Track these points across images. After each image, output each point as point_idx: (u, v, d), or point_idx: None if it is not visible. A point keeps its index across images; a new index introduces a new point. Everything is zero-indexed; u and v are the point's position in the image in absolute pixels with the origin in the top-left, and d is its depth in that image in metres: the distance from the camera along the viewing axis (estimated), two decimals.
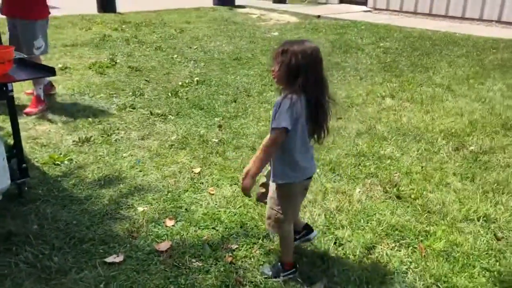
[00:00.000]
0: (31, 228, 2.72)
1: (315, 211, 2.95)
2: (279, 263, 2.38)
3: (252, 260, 2.50)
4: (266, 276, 2.35)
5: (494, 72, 6.45)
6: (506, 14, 10.80)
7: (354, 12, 12.56)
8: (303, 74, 2.01)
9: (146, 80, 5.88)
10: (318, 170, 3.50)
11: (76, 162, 3.61)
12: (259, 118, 4.62)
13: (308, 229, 2.55)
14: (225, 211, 2.95)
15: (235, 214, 2.91)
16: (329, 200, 3.09)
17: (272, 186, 2.23)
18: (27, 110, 4.54)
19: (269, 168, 2.29)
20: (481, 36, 9.02)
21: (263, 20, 11.27)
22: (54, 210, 2.91)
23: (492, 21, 11.05)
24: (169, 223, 2.82)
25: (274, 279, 2.33)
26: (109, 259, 2.47)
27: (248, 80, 5.94)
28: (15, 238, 2.62)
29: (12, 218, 2.80)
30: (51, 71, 3.03)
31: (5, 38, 4.92)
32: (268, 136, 2.12)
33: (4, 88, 2.88)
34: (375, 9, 13.25)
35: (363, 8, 13.38)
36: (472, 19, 11.32)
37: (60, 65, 6.24)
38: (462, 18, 11.47)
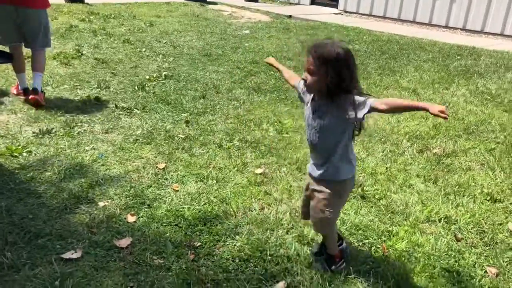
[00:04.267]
0: None
1: (280, 210, 2.94)
2: (328, 257, 2.42)
3: (215, 258, 2.46)
4: (323, 271, 2.39)
5: (458, 77, 6.61)
6: (470, 23, 11.12)
7: (324, 14, 12.66)
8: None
9: (112, 72, 5.74)
10: (284, 169, 3.50)
11: (35, 154, 3.48)
12: (227, 115, 4.57)
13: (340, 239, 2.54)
14: (189, 208, 2.89)
15: (199, 211, 2.86)
16: (295, 199, 3.08)
17: (325, 188, 2.21)
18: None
19: (307, 180, 2.35)
20: (447, 43, 9.24)
21: (235, 17, 11.21)
22: (9, 204, 2.79)
23: (457, 28, 11.36)
24: (131, 219, 2.75)
25: (327, 272, 2.39)
26: (66, 255, 2.38)
27: (218, 77, 5.88)
28: None
29: None
30: (9, 57, 2.91)
31: None
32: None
33: None
34: (346, 11, 13.41)
35: (334, 10, 13.51)
36: (439, 26, 11.61)
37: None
38: (429, 24, 11.74)
